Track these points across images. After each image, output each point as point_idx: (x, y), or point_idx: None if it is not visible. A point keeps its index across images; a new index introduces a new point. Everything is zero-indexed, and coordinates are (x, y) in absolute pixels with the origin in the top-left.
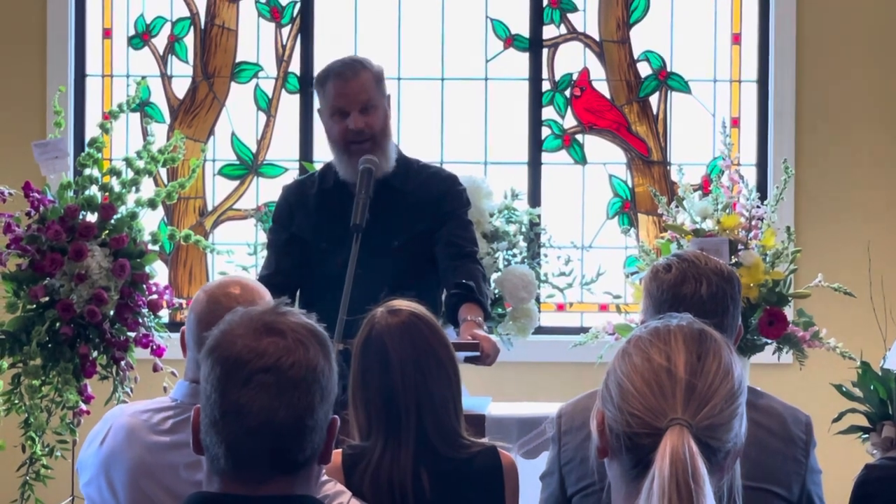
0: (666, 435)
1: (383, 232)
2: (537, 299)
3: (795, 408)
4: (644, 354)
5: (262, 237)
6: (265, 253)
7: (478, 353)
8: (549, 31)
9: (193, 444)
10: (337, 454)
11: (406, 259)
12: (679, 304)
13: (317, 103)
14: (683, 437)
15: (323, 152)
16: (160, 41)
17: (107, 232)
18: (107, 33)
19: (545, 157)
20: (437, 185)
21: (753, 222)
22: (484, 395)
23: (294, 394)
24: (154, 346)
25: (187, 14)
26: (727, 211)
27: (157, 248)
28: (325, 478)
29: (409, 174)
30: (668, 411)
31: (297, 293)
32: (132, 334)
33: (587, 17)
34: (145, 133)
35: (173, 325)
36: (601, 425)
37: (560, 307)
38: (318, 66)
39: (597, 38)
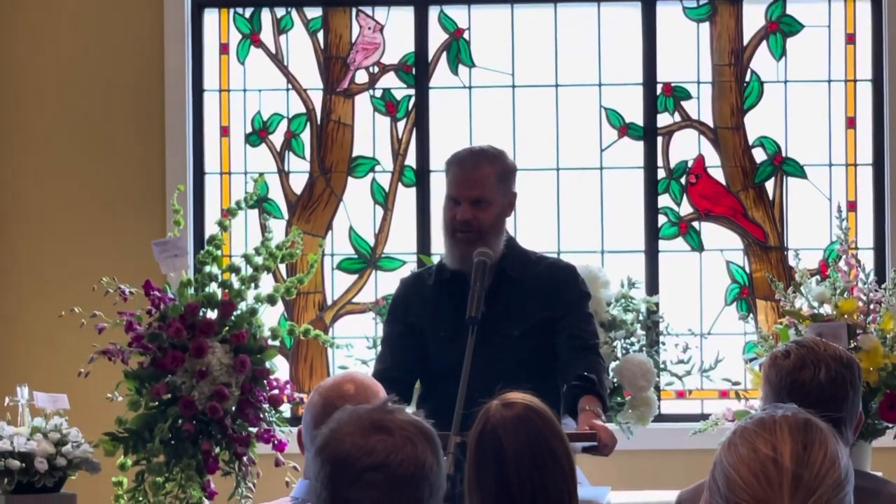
0: None
1: (502, 321)
2: (657, 387)
3: None
4: (750, 445)
5: (381, 330)
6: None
7: (595, 444)
8: (663, 119)
9: None
10: None
11: (525, 348)
12: (798, 391)
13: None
14: None
15: (440, 245)
16: (277, 138)
17: (227, 328)
18: (224, 131)
19: (662, 244)
20: (556, 275)
21: (872, 306)
22: (605, 485)
23: (404, 491)
24: (276, 442)
25: (303, 110)
26: (845, 295)
27: (277, 343)
28: None
29: (526, 265)
30: (776, 501)
31: (418, 384)
32: (254, 430)
33: (701, 104)
34: (264, 229)
35: (295, 420)
36: None
37: (680, 394)
38: (434, 159)
39: (711, 125)
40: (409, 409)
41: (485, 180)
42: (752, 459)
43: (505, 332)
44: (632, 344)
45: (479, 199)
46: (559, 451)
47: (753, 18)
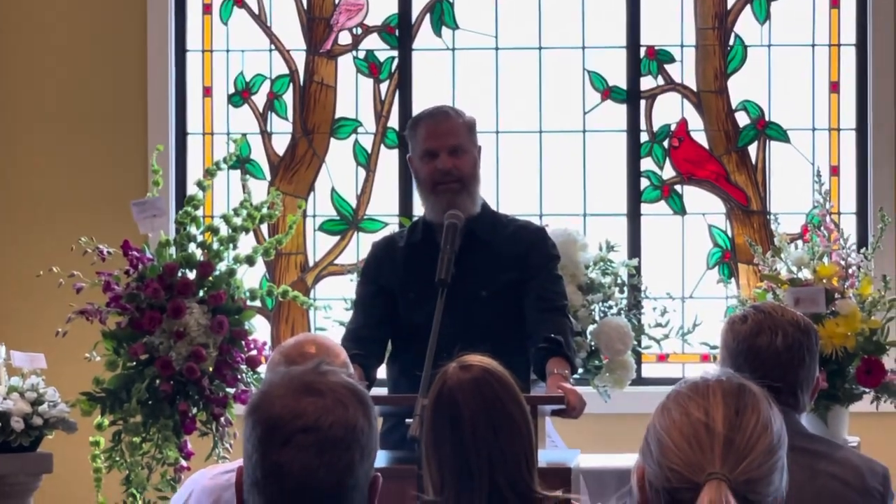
0: (704, 489)
1: (471, 283)
2: (636, 351)
3: (872, 459)
4: (683, 409)
5: None
6: None
7: (564, 406)
8: (646, 83)
9: None
10: None
11: (494, 309)
12: (755, 356)
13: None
14: (722, 491)
15: (422, 207)
16: (260, 99)
17: (205, 289)
18: (207, 92)
19: (644, 208)
20: (526, 237)
21: (850, 271)
22: (580, 448)
23: (335, 453)
24: None
25: (286, 71)
26: (823, 260)
27: (256, 304)
28: None
29: (496, 227)
30: (707, 466)
31: (388, 345)
32: (231, 390)
33: (684, 67)
34: (244, 190)
35: None
36: (641, 480)
37: (661, 358)
38: None
39: (694, 89)
40: (380, 368)
41: (457, 129)
42: (685, 424)
43: (474, 294)
44: (610, 307)
45: (456, 147)
46: (516, 414)
47: None
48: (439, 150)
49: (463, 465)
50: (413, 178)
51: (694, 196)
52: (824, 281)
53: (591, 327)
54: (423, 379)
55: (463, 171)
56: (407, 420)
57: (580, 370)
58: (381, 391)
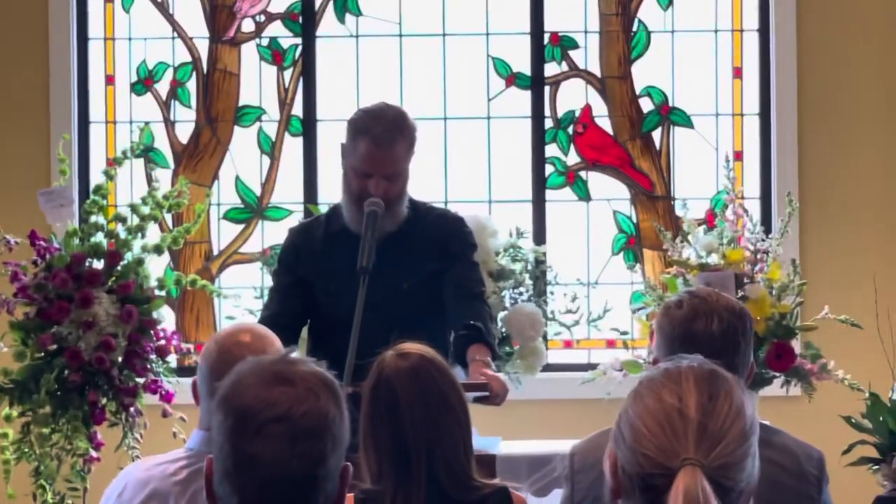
0: (679, 475)
1: (392, 274)
2: (544, 337)
3: (808, 444)
4: (656, 396)
5: (268, 281)
6: None
7: (487, 394)
8: (550, 69)
9: (207, 495)
10: (349, 499)
11: (415, 301)
12: (691, 341)
13: (327, 146)
14: (696, 477)
15: (327, 194)
16: (163, 87)
17: (113, 279)
18: (109, 80)
19: (549, 194)
20: (445, 227)
21: (759, 256)
22: (493, 435)
23: (307, 443)
24: (163, 392)
25: (189, 59)
26: (732, 245)
27: (163, 293)
28: None
29: (415, 216)
30: (681, 452)
31: (303, 335)
32: (141, 380)
33: (588, 54)
34: (150, 179)
35: (182, 371)
36: (614, 466)
37: (567, 344)
38: (321, 109)
39: (598, 75)
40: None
41: (398, 156)
42: (658, 410)
43: (394, 285)
44: (520, 294)
45: (392, 174)
46: (454, 401)
47: None
48: (374, 175)
49: (401, 453)
50: (342, 174)
51: (598, 182)
52: (733, 266)
53: (501, 314)
54: (346, 369)
55: (393, 195)
56: None
57: None
58: None
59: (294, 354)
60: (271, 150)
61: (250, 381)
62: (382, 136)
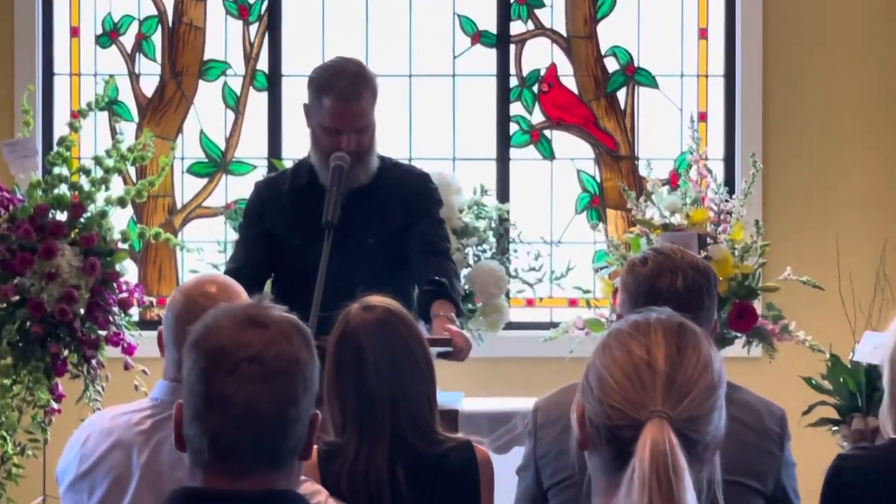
0: (646, 427)
1: (357, 229)
2: (507, 295)
3: (770, 401)
4: (624, 347)
5: (232, 235)
6: None
7: (450, 349)
8: (516, 27)
9: (176, 441)
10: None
11: (380, 256)
12: (655, 298)
13: (292, 101)
14: (663, 429)
15: (291, 149)
16: (128, 40)
17: (77, 231)
18: (74, 32)
19: (513, 152)
20: (411, 183)
21: (722, 216)
22: (456, 391)
23: (278, 383)
24: (125, 345)
25: (155, 12)
26: (696, 205)
27: (126, 246)
28: (301, 477)
29: (382, 172)
30: (649, 404)
31: (267, 289)
32: (103, 333)
33: (554, 12)
34: (114, 132)
35: (144, 324)
36: (581, 418)
37: (530, 303)
38: (286, 64)
39: (564, 34)
40: None
41: (365, 108)
42: (626, 362)
43: (360, 241)
44: (483, 251)
45: (361, 127)
46: (419, 354)
47: None
48: (345, 130)
49: (366, 405)
50: (310, 133)
51: (563, 141)
52: (696, 226)
53: (465, 271)
54: (311, 322)
55: (364, 147)
56: None
57: None
58: None
59: (266, 301)
60: (236, 104)
61: (223, 323)
62: (347, 90)
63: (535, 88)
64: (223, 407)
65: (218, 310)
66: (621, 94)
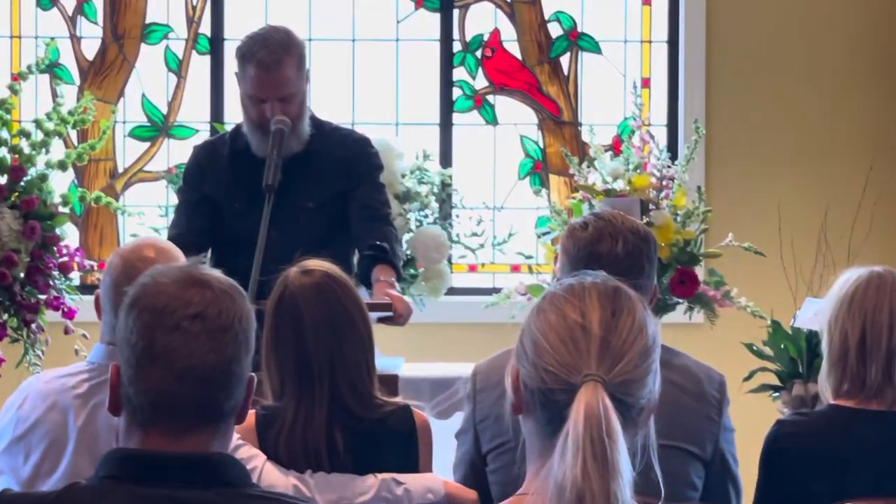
0: (580, 391)
1: (297, 194)
2: (449, 260)
3: (709, 367)
4: (559, 311)
5: (173, 199)
6: None
7: (391, 314)
8: None
9: (110, 404)
10: (250, 414)
11: (320, 221)
12: (595, 262)
13: (234, 66)
14: (598, 392)
15: (234, 114)
16: (69, 2)
17: (17, 194)
18: None
19: (456, 118)
20: (350, 147)
21: (664, 182)
22: (397, 356)
23: (223, 339)
24: (65, 309)
25: None
26: (638, 171)
27: (67, 210)
28: (238, 441)
29: (321, 137)
30: (583, 367)
31: (209, 254)
32: (43, 297)
33: None
34: (55, 95)
35: (84, 288)
36: (516, 382)
37: (472, 268)
38: (229, 28)
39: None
40: None
41: (288, 76)
42: (561, 325)
43: (300, 205)
44: (426, 216)
45: (286, 96)
46: (357, 318)
47: None
48: (268, 99)
49: (304, 369)
50: (240, 102)
51: (506, 106)
52: (639, 192)
53: (407, 236)
54: (250, 286)
55: (290, 117)
56: None
57: None
58: None
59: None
60: (178, 68)
61: (164, 281)
62: (268, 59)
63: (479, 53)
64: (166, 362)
65: (156, 269)
66: (565, 60)
